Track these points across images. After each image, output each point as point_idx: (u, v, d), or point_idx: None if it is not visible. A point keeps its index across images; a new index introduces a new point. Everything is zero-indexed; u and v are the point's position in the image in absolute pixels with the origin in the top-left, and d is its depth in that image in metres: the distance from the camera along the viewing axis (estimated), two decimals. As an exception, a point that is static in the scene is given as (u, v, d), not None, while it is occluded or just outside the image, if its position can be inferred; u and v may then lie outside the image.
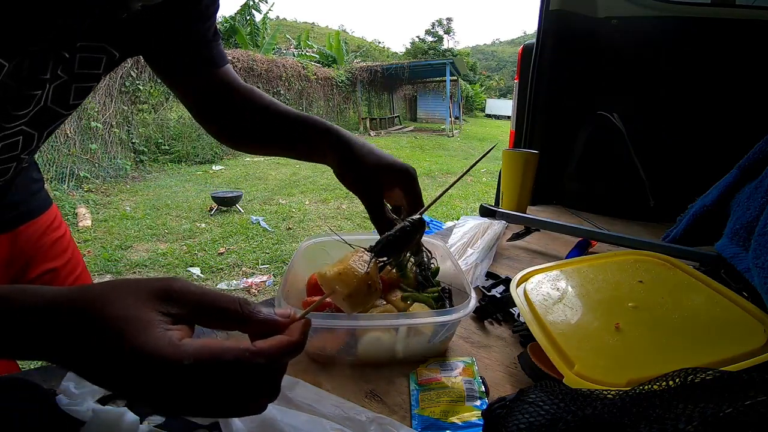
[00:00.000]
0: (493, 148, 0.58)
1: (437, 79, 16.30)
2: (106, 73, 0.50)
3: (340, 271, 0.35)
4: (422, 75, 15.67)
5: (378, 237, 0.38)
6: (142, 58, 0.56)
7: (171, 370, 0.26)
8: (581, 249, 0.97)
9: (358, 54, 19.50)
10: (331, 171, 0.53)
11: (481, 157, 0.49)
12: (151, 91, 6.86)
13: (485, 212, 1.10)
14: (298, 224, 4.37)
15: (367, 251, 0.37)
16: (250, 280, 2.91)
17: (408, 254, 0.40)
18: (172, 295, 0.28)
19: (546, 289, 0.62)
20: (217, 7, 0.56)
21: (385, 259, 0.38)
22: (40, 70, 0.42)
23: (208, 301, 0.30)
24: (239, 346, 0.28)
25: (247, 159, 7.95)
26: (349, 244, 0.50)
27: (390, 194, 0.52)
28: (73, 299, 0.27)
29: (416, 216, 0.40)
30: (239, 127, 0.62)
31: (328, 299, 0.61)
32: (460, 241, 0.91)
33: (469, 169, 0.47)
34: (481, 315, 0.68)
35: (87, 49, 0.45)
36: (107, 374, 0.26)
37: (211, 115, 0.62)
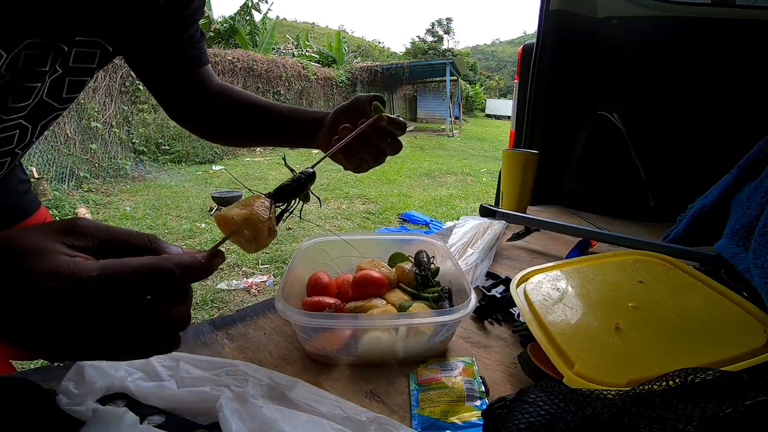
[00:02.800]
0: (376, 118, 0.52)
1: (437, 79, 16.27)
2: (100, 68, 0.51)
3: (247, 216, 0.37)
4: (422, 75, 15.64)
5: None
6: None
7: (78, 284, 0.26)
8: (581, 249, 0.97)
9: (357, 54, 19.50)
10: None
11: (370, 122, 0.51)
12: (151, 91, 6.85)
13: (485, 212, 1.10)
14: (298, 224, 4.36)
15: (266, 197, 0.40)
16: (250, 280, 2.91)
17: (299, 201, 0.45)
18: (77, 229, 0.29)
19: (546, 289, 0.62)
20: (201, 12, 0.59)
21: (281, 204, 0.42)
22: (40, 62, 0.42)
23: (115, 234, 0.30)
24: (149, 256, 0.29)
25: (247, 159, 7.95)
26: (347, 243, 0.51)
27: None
28: None
29: (309, 169, 0.45)
30: (213, 121, 0.65)
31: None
32: (460, 241, 0.91)
33: (359, 130, 0.50)
34: (481, 315, 0.68)
35: (83, 43, 0.46)
36: (14, 305, 0.26)
37: (186, 111, 0.65)
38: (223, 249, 0.34)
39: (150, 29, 0.53)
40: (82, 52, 0.46)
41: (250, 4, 11.45)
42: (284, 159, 0.49)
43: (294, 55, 12.72)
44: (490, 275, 0.82)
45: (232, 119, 0.64)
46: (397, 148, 0.54)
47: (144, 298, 0.28)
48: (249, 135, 0.66)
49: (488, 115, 27.31)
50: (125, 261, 0.28)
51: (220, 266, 0.33)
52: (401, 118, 0.53)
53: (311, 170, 0.45)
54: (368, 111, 0.53)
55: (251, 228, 0.36)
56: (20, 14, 0.38)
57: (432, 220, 4.39)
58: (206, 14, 10.98)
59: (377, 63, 14.88)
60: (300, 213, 0.45)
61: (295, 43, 15.20)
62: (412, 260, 0.72)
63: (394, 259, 0.73)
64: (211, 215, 4.55)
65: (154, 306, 0.29)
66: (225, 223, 0.36)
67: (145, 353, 0.31)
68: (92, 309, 0.27)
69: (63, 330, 0.27)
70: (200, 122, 0.66)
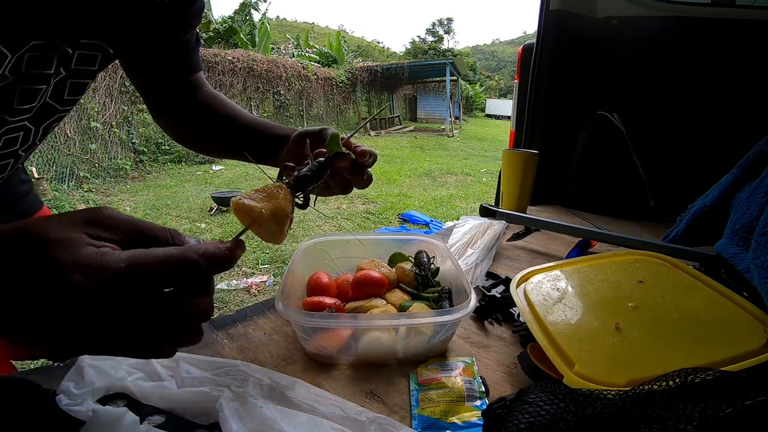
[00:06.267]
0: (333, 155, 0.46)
1: (437, 79, 16.27)
2: (100, 71, 0.51)
3: (275, 210, 0.35)
4: (422, 75, 15.65)
5: None
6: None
7: (108, 277, 0.25)
8: (581, 249, 0.97)
9: (357, 54, 19.50)
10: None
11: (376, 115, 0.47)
12: (151, 91, 6.86)
13: (485, 212, 1.10)
14: (298, 224, 4.36)
15: (285, 185, 0.38)
16: (250, 280, 2.91)
17: (314, 189, 0.43)
18: (102, 221, 0.29)
19: (546, 289, 0.62)
20: (200, 17, 0.58)
21: (300, 194, 0.40)
22: (45, 65, 0.42)
23: (139, 227, 0.30)
24: (174, 246, 0.29)
25: (247, 159, 7.95)
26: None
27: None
28: (16, 227, 0.26)
29: (322, 158, 0.43)
30: (195, 131, 0.64)
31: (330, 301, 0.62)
32: (460, 241, 0.91)
33: (371, 118, 0.46)
34: (481, 315, 0.68)
35: (86, 46, 0.46)
36: (37, 298, 0.25)
37: (168, 116, 0.65)
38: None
39: (149, 31, 0.53)
40: (84, 54, 0.46)
41: (248, 3, 11.45)
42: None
43: (294, 55, 12.72)
44: (490, 275, 0.82)
45: (208, 131, 0.63)
46: (364, 182, 0.49)
47: (170, 289, 0.28)
48: (221, 148, 0.64)
49: (488, 115, 27.30)
50: (152, 251, 0.27)
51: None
52: (366, 148, 0.47)
53: (324, 158, 0.44)
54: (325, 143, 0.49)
55: (277, 222, 0.36)
56: (26, 15, 0.38)
57: (432, 220, 4.39)
58: (204, 14, 10.98)
59: (377, 63, 14.89)
60: (314, 203, 0.43)
61: (295, 43, 15.21)
62: (412, 260, 0.72)
63: (394, 259, 0.73)
64: (211, 215, 4.55)
65: (180, 297, 0.29)
66: (246, 214, 0.35)
67: (170, 347, 0.30)
68: (120, 301, 0.26)
69: (88, 324, 0.26)
70: (178, 129, 0.65)
